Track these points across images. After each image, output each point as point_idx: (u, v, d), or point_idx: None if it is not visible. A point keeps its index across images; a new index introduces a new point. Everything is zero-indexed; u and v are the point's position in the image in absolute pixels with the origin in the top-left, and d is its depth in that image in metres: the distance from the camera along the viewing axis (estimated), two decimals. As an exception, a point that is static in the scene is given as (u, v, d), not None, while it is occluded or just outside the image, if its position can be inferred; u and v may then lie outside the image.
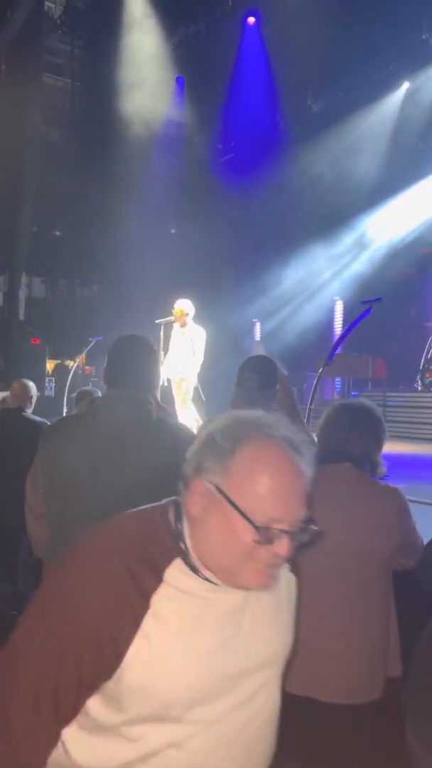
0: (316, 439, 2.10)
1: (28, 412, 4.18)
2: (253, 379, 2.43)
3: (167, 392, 6.40)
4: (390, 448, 2.12)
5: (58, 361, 12.62)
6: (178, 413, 6.16)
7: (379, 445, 1.97)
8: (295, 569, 1.18)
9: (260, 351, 9.53)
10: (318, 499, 1.88)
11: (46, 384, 11.62)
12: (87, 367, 12.32)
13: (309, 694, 1.80)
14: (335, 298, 11.87)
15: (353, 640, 1.81)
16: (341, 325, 11.45)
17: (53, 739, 1.00)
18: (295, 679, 1.83)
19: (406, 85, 10.62)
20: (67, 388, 9.12)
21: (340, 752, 1.77)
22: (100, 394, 3.80)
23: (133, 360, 2.09)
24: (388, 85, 10.56)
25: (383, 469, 1.96)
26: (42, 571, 2.12)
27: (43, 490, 2.05)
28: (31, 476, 2.09)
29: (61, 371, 12.01)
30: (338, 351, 7.80)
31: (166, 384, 6.41)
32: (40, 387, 9.06)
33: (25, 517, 2.17)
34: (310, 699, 1.79)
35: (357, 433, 1.93)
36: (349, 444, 1.92)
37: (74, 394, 4.46)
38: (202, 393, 6.67)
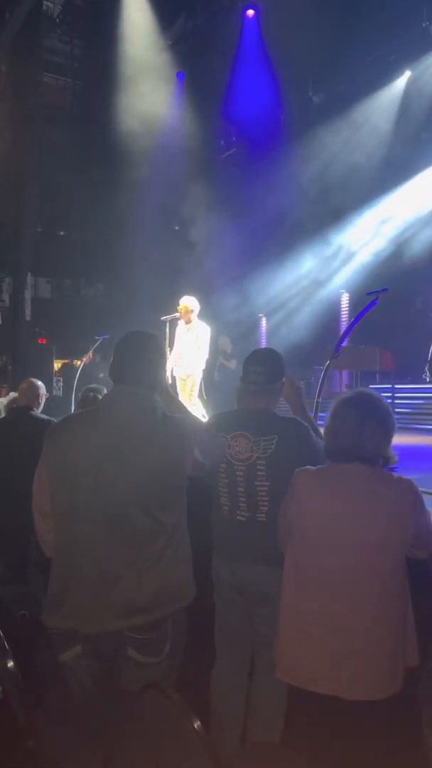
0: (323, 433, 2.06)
1: (37, 411, 4.17)
2: (259, 372, 2.36)
3: (172, 389, 6.37)
4: (400, 439, 2.07)
5: (66, 361, 12.58)
6: (184, 410, 6.13)
7: (390, 439, 1.93)
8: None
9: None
10: (331, 497, 1.86)
11: (54, 383, 11.61)
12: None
13: (332, 693, 1.79)
14: (341, 290, 11.81)
15: (373, 636, 1.79)
16: (347, 318, 11.38)
17: None
18: (317, 678, 1.82)
19: (407, 74, 10.50)
20: (74, 387, 9.12)
21: (362, 747, 1.76)
22: (106, 391, 3.77)
23: (140, 356, 2.06)
24: (389, 74, 10.44)
25: (395, 459, 1.93)
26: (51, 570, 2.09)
27: (49, 488, 2.03)
28: (37, 475, 2.08)
29: (68, 370, 11.99)
30: (345, 343, 7.73)
31: (170, 381, 6.38)
32: (48, 387, 9.05)
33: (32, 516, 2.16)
34: (333, 697, 1.78)
35: (368, 432, 1.88)
36: (361, 444, 1.87)
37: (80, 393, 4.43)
38: (203, 391, 6.65)
